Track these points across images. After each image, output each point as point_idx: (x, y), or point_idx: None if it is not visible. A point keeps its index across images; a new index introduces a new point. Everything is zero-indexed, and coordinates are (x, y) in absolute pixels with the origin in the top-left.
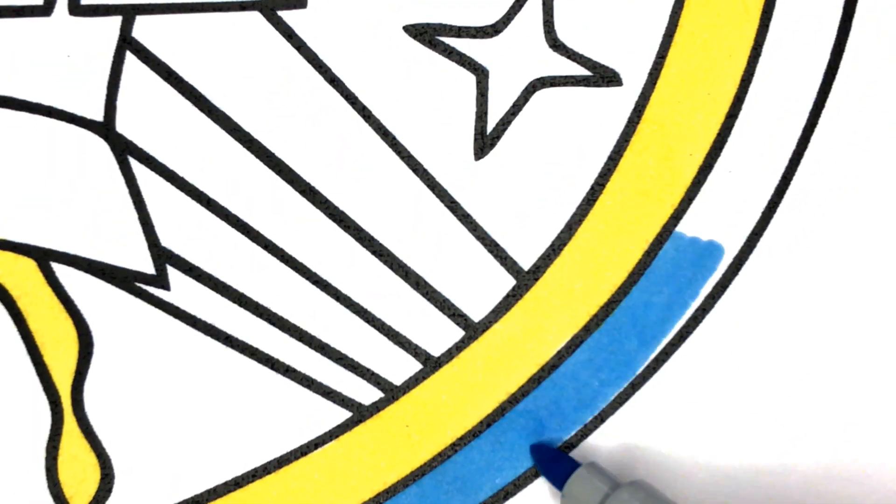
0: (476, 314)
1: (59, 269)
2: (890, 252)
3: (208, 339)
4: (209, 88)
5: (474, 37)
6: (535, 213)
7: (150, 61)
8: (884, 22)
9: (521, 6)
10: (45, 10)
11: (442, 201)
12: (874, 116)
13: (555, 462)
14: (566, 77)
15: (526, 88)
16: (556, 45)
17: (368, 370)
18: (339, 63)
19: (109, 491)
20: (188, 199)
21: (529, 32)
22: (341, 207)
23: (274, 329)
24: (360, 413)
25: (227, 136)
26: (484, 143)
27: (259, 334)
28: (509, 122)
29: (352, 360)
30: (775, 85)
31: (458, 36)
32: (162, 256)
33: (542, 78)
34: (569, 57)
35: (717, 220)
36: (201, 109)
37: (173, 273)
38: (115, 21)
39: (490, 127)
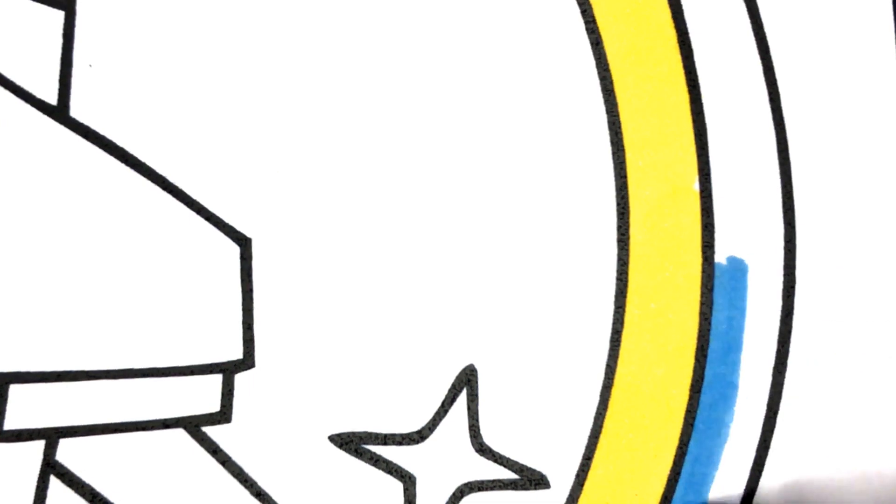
0: None
1: None
2: None
3: None
4: None
5: (400, 444)
6: None
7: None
8: None
9: (446, 412)
10: None
11: None
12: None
13: None
14: (493, 481)
15: (454, 494)
16: (483, 449)
17: None
18: (264, 477)
19: None
20: None
21: (455, 437)
22: None
23: None
24: None
25: None
26: None
27: None
28: None
29: None
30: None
31: (385, 444)
32: None
33: (469, 483)
34: (495, 461)
35: None
36: None
37: None
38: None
39: None
